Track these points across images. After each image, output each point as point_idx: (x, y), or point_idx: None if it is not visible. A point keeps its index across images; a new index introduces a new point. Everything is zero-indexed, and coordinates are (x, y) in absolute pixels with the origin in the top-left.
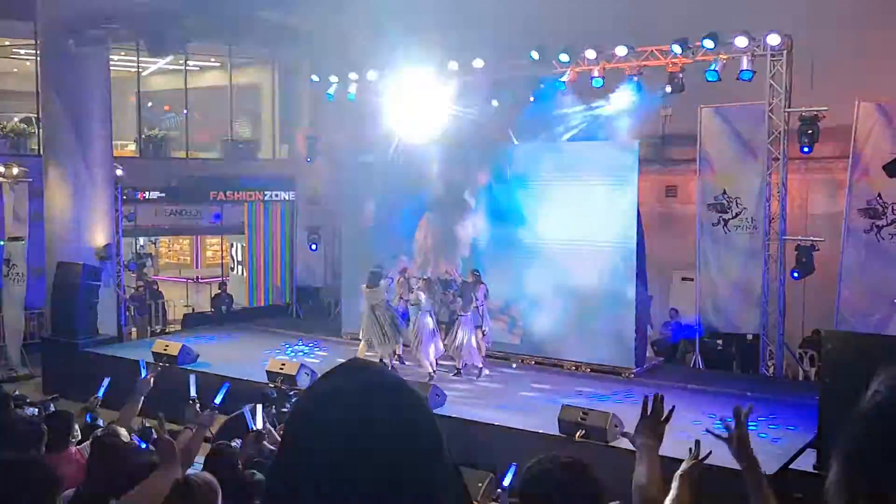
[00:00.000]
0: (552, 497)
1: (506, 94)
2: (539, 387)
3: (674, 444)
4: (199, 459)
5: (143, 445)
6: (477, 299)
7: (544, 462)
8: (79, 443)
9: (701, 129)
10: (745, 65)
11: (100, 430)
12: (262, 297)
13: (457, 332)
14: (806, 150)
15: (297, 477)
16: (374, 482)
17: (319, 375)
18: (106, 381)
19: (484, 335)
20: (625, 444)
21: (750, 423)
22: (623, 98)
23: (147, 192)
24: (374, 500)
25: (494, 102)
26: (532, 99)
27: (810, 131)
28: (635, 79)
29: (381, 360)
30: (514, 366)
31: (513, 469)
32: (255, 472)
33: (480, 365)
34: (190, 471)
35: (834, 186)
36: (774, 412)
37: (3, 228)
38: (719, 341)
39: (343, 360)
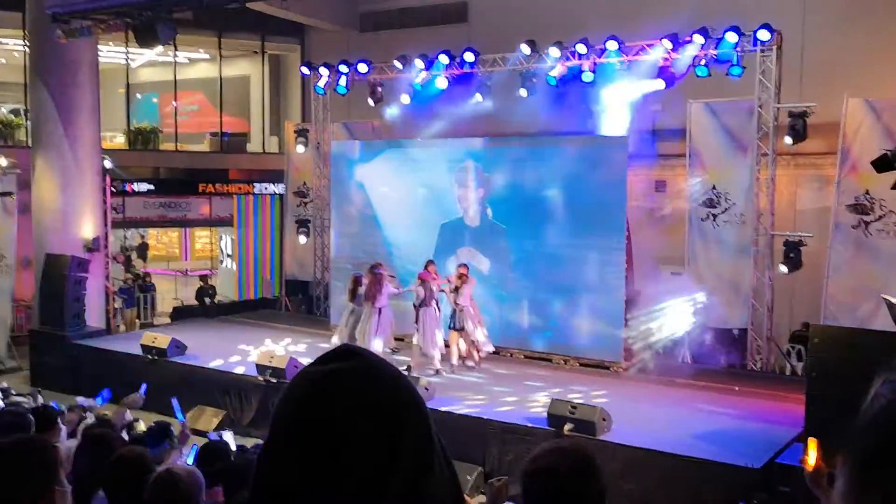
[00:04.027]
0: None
1: (494, 88)
2: (528, 381)
3: (662, 439)
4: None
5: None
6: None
7: (548, 455)
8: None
9: (690, 124)
10: (734, 60)
11: (90, 420)
12: (251, 290)
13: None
14: (788, 141)
15: (284, 464)
16: (361, 469)
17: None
18: (106, 392)
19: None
20: (614, 437)
21: (737, 417)
22: (612, 92)
23: (136, 184)
24: (361, 488)
25: (478, 97)
26: (525, 93)
27: (796, 126)
28: (625, 73)
29: None
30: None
31: None
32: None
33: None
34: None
35: (822, 182)
36: (761, 406)
37: None
38: (707, 336)
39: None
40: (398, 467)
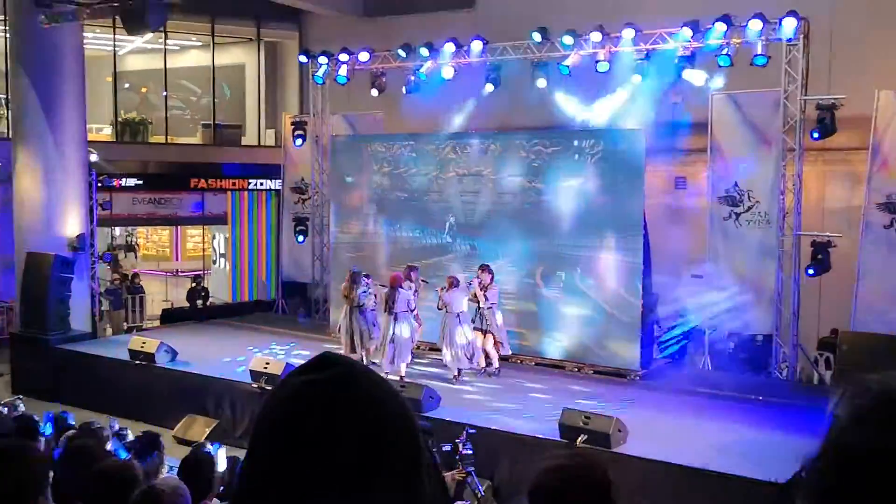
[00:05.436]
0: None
1: (503, 78)
2: (539, 390)
3: (681, 452)
4: (175, 462)
5: (123, 454)
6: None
7: (554, 474)
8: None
9: (713, 117)
10: (759, 49)
11: (72, 431)
12: (245, 291)
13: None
14: (815, 136)
15: (264, 478)
16: (343, 483)
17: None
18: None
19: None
20: (629, 450)
21: (760, 429)
22: (629, 83)
23: (123, 179)
24: (343, 499)
25: (488, 87)
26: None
27: (824, 120)
28: (643, 63)
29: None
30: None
31: None
32: None
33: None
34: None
35: (852, 179)
36: (787, 417)
37: None
38: (732, 344)
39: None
40: (380, 478)
